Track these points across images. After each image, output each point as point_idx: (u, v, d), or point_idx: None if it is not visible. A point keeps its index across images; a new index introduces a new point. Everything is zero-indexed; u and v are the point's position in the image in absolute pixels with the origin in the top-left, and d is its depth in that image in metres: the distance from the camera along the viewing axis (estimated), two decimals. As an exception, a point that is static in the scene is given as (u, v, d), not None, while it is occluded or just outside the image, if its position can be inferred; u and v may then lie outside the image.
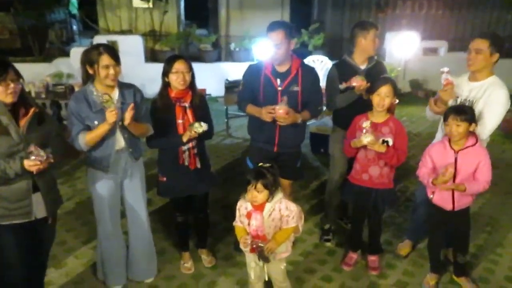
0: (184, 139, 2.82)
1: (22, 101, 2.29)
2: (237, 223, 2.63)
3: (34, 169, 2.18)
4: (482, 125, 2.84)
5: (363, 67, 3.27)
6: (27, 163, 2.17)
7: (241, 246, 2.55)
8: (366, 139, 2.80)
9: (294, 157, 3.26)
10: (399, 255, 3.45)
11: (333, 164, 3.53)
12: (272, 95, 3.00)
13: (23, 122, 2.25)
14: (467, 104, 2.89)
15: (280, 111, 2.82)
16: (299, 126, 3.13)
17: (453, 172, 2.68)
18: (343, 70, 3.26)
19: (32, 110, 2.28)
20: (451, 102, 2.93)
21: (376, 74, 3.19)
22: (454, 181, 2.76)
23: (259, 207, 2.49)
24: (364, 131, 2.81)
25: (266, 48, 3.01)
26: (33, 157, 2.15)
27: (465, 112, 2.67)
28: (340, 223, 3.86)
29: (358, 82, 3.02)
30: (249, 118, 3.28)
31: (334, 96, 3.28)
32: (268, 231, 2.51)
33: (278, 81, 3.01)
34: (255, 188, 2.41)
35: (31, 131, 2.27)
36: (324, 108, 3.56)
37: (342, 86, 3.12)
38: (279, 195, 2.52)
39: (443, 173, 2.69)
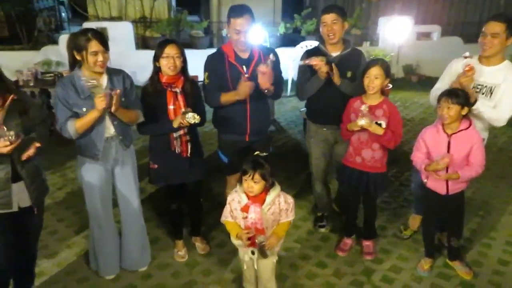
0: (175, 125, 2.77)
1: (1, 88, 2.23)
2: (227, 219, 2.51)
3: (5, 150, 2.12)
4: (501, 111, 2.83)
5: (334, 54, 3.12)
6: None
7: (241, 241, 2.43)
8: (361, 121, 2.79)
9: (265, 144, 3.22)
10: (407, 229, 3.50)
11: (310, 159, 3.50)
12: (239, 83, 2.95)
13: (0, 111, 2.20)
14: (484, 89, 2.88)
15: (264, 69, 2.75)
16: (267, 111, 3.17)
17: (448, 162, 2.68)
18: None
19: (9, 99, 2.22)
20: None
21: (351, 61, 3.11)
22: (447, 167, 2.75)
23: (258, 200, 2.39)
24: (360, 114, 2.79)
25: (231, 35, 2.90)
26: (2, 139, 2.10)
27: (457, 95, 2.65)
28: (335, 209, 3.84)
29: (315, 61, 2.89)
30: (215, 111, 3.18)
31: (303, 84, 3.19)
32: (266, 224, 2.42)
33: (244, 68, 2.96)
34: (252, 178, 2.31)
35: (10, 119, 2.21)
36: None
37: (301, 62, 3.01)
38: (278, 189, 2.44)
39: (437, 161, 2.68)
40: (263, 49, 3.06)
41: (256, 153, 2.43)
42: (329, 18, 3.00)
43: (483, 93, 2.90)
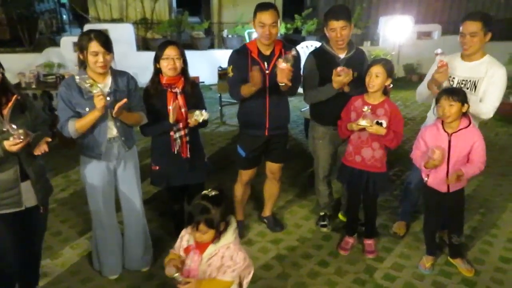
0: (171, 120, 2.78)
1: (3, 90, 2.27)
2: (174, 251, 2.16)
3: (15, 148, 2.15)
4: (487, 103, 2.89)
5: (342, 55, 3.11)
6: (7, 144, 2.14)
7: (166, 270, 2.00)
8: (362, 122, 2.80)
9: (284, 139, 3.30)
10: (397, 234, 3.48)
11: (316, 161, 3.48)
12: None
13: (6, 110, 2.23)
14: (468, 84, 2.94)
15: (283, 65, 2.72)
16: (286, 106, 3.20)
17: (441, 154, 2.69)
18: (321, 59, 3.13)
19: (13, 98, 2.25)
20: (445, 84, 2.92)
21: (356, 61, 3.12)
22: (448, 164, 2.76)
23: (201, 246, 2.02)
24: (362, 115, 2.80)
25: (256, 29, 2.94)
26: (11, 138, 2.12)
27: (458, 93, 2.68)
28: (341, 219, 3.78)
29: (346, 72, 2.86)
30: (240, 106, 3.25)
31: (312, 87, 3.18)
32: (201, 276, 2.02)
33: (265, 64, 3.00)
34: (197, 229, 1.91)
35: (15, 118, 2.24)
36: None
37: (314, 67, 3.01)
38: (229, 238, 2.00)
39: (430, 157, 2.70)
40: (285, 47, 3.08)
41: (203, 192, 2.01)
42: (338, 24, 2.97)
43: (467, 88, 2.94)
